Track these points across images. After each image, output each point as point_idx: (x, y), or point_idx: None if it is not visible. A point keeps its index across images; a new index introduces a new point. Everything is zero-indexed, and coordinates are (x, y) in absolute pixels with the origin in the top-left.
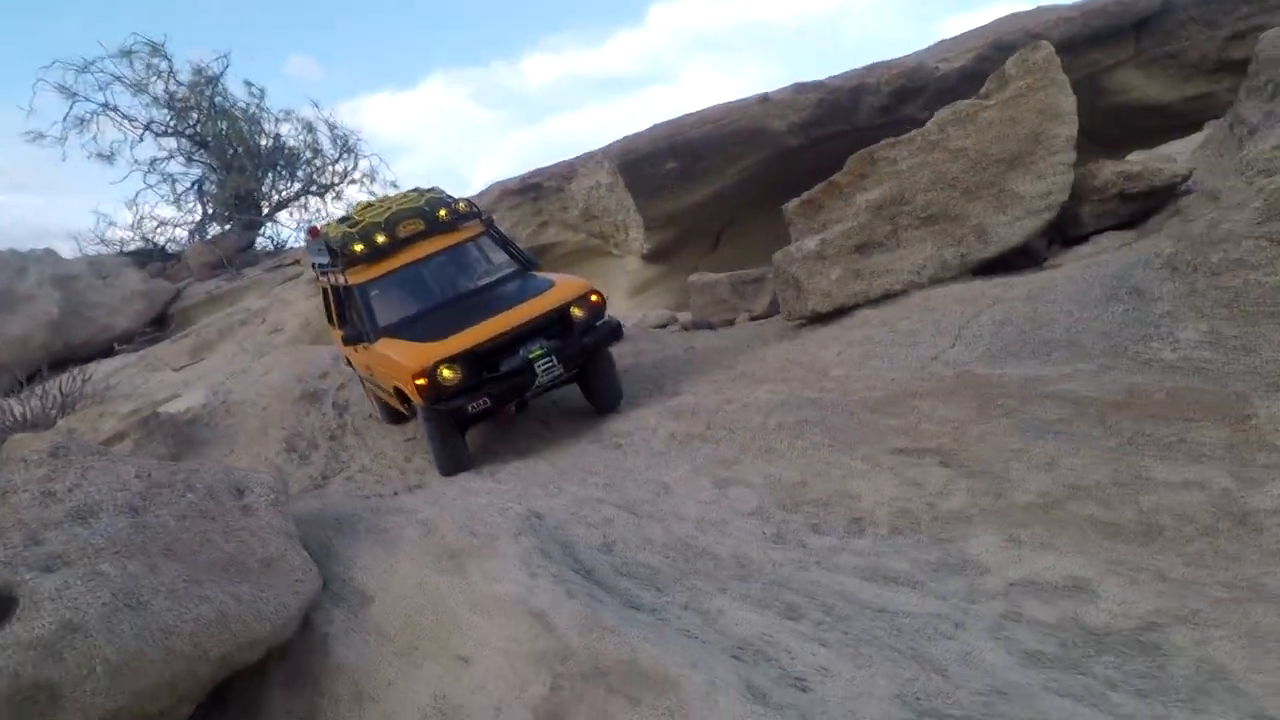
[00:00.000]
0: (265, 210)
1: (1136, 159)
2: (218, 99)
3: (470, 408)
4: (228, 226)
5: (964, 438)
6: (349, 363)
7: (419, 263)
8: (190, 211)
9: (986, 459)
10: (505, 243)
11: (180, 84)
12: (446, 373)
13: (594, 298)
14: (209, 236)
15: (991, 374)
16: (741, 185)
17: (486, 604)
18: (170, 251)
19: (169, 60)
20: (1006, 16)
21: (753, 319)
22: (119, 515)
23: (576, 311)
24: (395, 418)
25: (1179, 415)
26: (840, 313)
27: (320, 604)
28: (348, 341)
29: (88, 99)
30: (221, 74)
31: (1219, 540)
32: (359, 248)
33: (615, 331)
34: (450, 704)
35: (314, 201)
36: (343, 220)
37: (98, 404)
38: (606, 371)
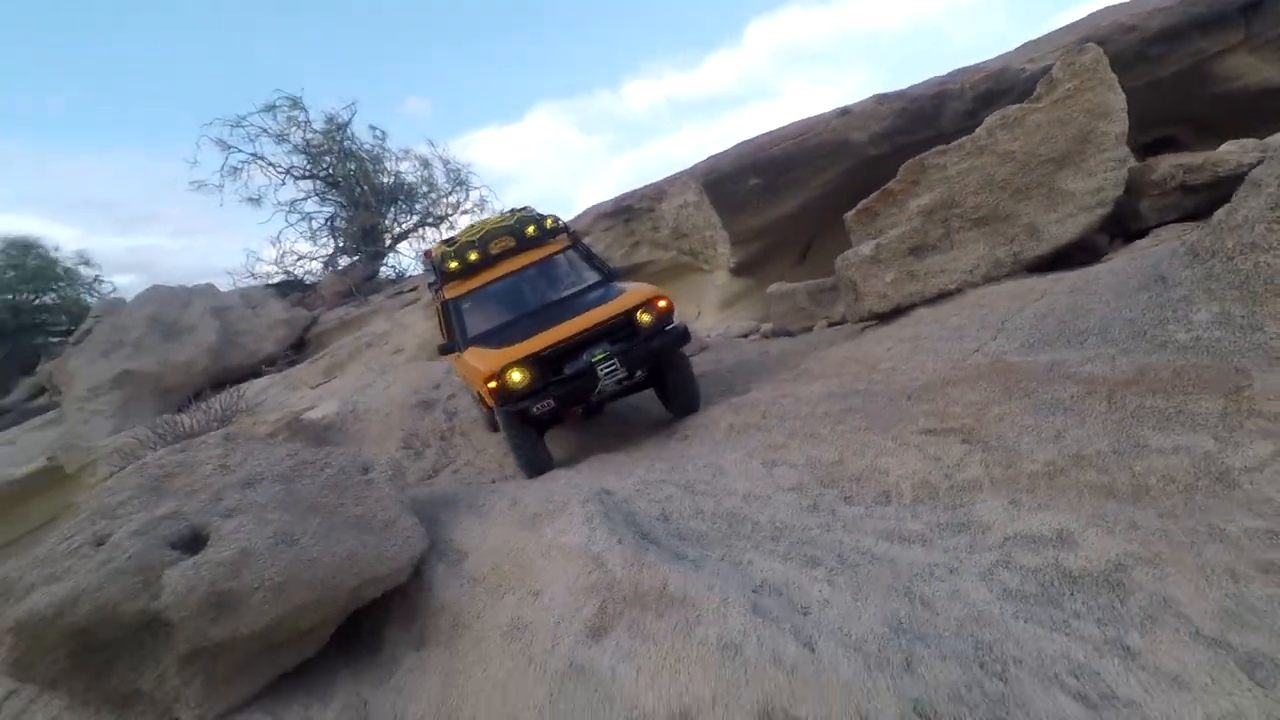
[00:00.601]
0: (387, 242)
1: (1202, 153)
2: (346, 143)
3: (535, 409)
4: (355, 258)
5: (985, 417)
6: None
7: (507, 277)
8: (323, 245)
9: (1002, 435)
10: (588, 255)
11: (315, 131)
12: (515, 375)
13: (661, 303)
14: (340, 268)
15: (1021, 361)
16: (825, 197)
17: (554, 552)
18: (307, 282)
19: (305, 111)
20: (1100, 10)
21: (830, 325)
22: (275, 483)
23: (643, 316)
24: (495, 426)
25: (1180, 390)
26: (897, 312)
27: (428, 559)
28: (443, 352)
29: (240, 149)
30: (350, 120)
31: (1195, 495)
32: (454, 265)
33: (682, 336)
34: (523, 622)
35: (430, 233)
36: (446, 242)
37: (250, 416)
38: (682, 376)
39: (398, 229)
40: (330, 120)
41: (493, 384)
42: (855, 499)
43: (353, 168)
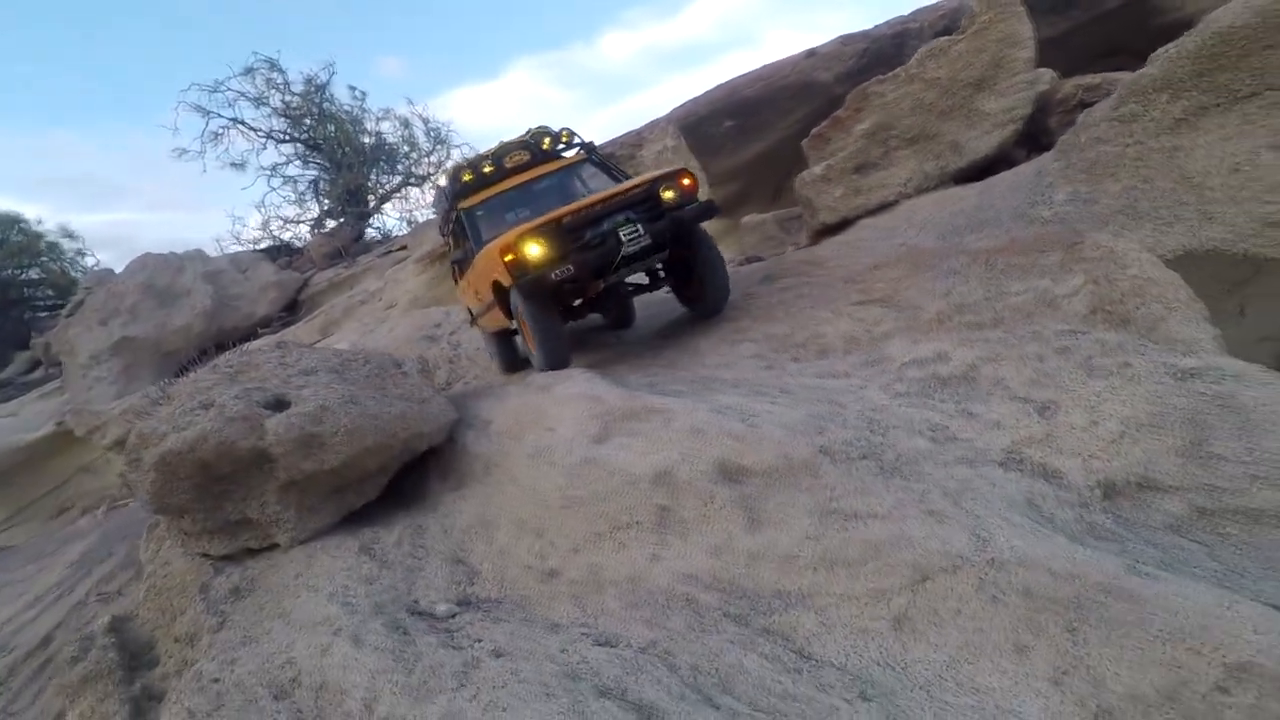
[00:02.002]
0: (372, 203)
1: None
2: (326, 105)
3: (554, 274)
4: (342, 220)
5: (898, 288)
6: (472, 320)
7: (523, 186)
8: (309, 209)
9: (910, 298)
10: (606, 166)
11: (294, 94)
12: (532, 246)
13: (685, 180)
14: (327, 230)
15: (930, 245)
16: (795, 136)
17: (564, 400)
18: (295, 246)
19: (283, 73)
20: None
21: (797, 249)
22: (329, 373)
23: (666, 193)
24: (511, 364)
25: (1035, 250)
26: (845, 223)
27: (459, 427)
28: (456, 263)
29: (220, 115)
30: (328, 82)
31: (1032, 318)
32: (468, 176)
33: (708, 209)
34: (543, 446)
35: (414, 193)
36: (458, 164)
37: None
38: (709, 261)
39: (382, 189)
40: (309, 82)
41: (509, 256)
42: (801, 358)
43: (333, 129)
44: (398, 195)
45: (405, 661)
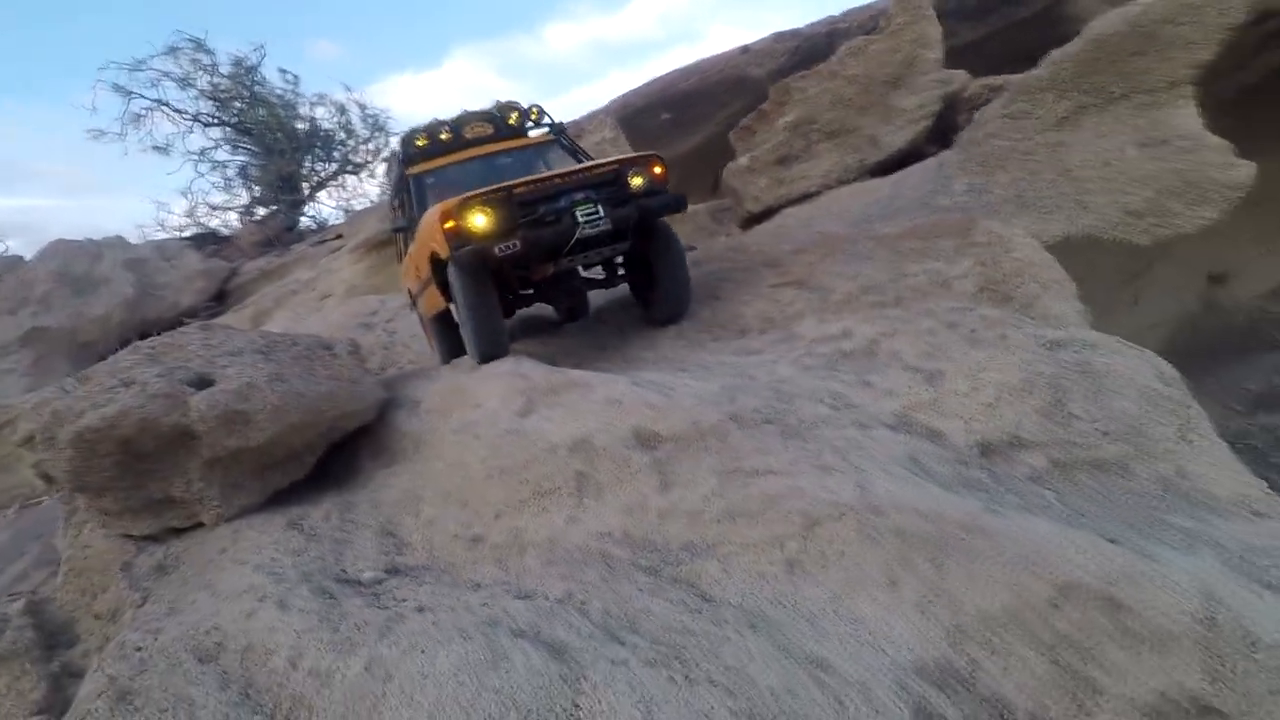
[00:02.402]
0: (306, 191)
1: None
2: (256, 88)
3: (498, 249)
4: (274, 208)
5: (812, 271)
6: (411, 303)
7: (480, 159)
8: (238, 195)
9: (821, 280)
10: (574, 151)
11: (222, 76)
12: (478, 212)
13: (657, 168)
14: (258, 218)
15: (844, 232)
16: (729, 130)
17: (491, 377)
18: (223, 234)
19: (211, 54)
20: None
21: (728, 238)
22: (255, 354)
23: (635, 179)
24: (453, 353)
25: (934, 235)
26: (770, 212)
27: (389, 407)
28: (397, 230)
29: (142, 95)
30: (258, 64)
31: (928, 297)
32: (422, 141)
33: (677, 201)
34: (469, 422)
35: (350, 180)
36: (416, 128)
37: None
38: (672, 260)
39: (317, 177)
40: (237, 64)
41: (450, 224)
42: (721, 337)
43: (264, 114)
44: (334, 183)
45: (330, 621)
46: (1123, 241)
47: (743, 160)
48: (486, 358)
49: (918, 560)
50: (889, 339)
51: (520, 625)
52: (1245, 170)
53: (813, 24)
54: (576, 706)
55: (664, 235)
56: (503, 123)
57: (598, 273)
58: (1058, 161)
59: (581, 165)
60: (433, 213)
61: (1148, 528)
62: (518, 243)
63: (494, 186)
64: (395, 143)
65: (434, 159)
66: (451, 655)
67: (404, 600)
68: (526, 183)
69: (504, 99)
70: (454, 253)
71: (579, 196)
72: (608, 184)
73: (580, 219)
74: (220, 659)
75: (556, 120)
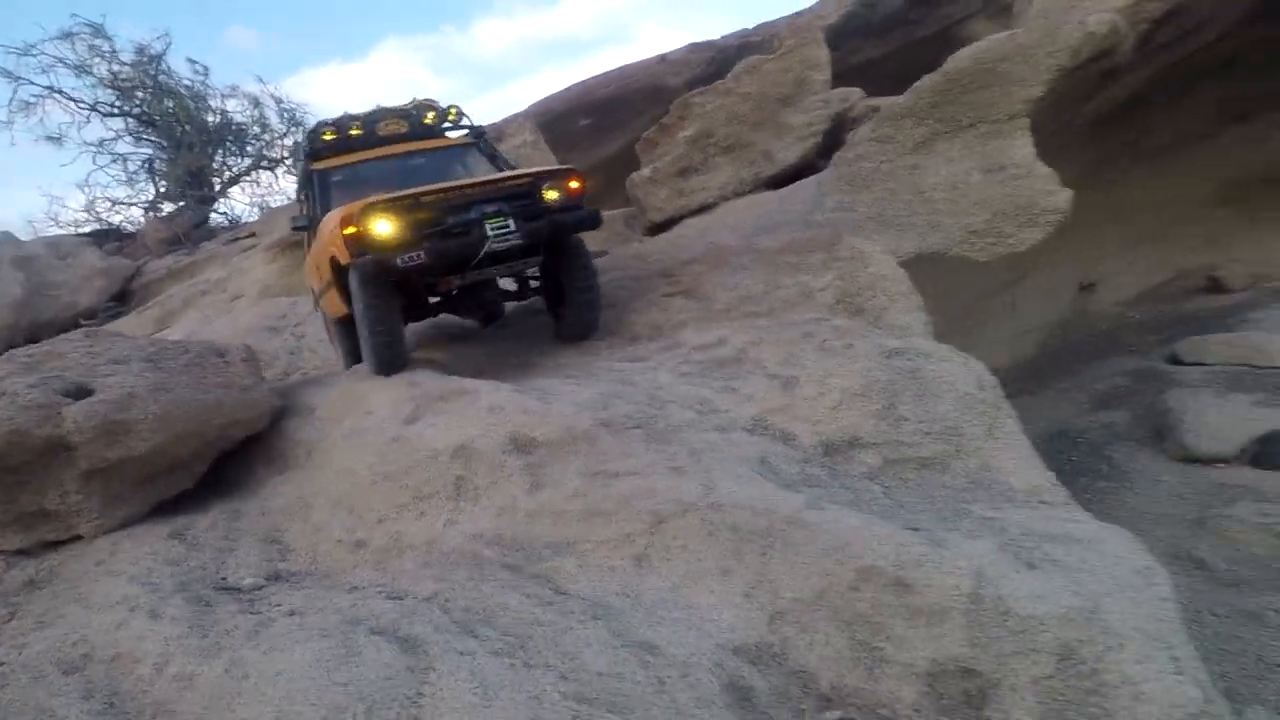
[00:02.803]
0: (218, 186)
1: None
2: (162, 77)
3: (400, 260)
4: (182, 204)
5: (699, 281)
6: (315, 302)
7: (391, 159)
8: (143, 190)
9: (706, 290)
10: (494, 156)
11: (124, 64)
12: (381, 218)
13: (574, 182)
14: (164, 214)
15: (731, 244)
16: None
17: (384, 385)
18: (126, 231)
19: (110, 41)
20: None
21: (639, 244)
22: (142, 362)
23: (549, 192)
24: (356, 356)
25: (806, 250)
26: (671, 222)
27: (285, 415)
28: (297, 228)
29: (32, 82)
30: (164, 52)
31: (796, 307)
32: (330, 135)
33: (591, 218)
34: (359, 428)
35: (265, 176)
36: (324, 121)
37: None
38: (583, 277)
39: (229, 173)
40: (141, 52)
41: (350, 229)
42: (613, 344)
43: (171, 105)
44: (247, 179)
45: (201, 628)
46: (965, 258)
47: (646, 171)
48: (384, 371)
49: (748, 552)
50: (756, 347)
51: (381, 624)
52: (1064, 196)
53: (726, 36)
54: (420, 694)
55: (576, 252)
56: (419, 122)
57: (511, 283)
58: (914, 183)
59: (494, 176)
60: (334, 216)
61: (953, 517)
62: (422, 254)
63: (400, 192)
64: (309, 128)
65: (342, 155)
66: (307, 653)
67: (278, 605)
68: (435, 190)
69: (422, 97)
70: (354, 261)
71: (490, 209)
72: (521, 196)
73: (489, 232)
74: (86, 670)
75: (476, 124)
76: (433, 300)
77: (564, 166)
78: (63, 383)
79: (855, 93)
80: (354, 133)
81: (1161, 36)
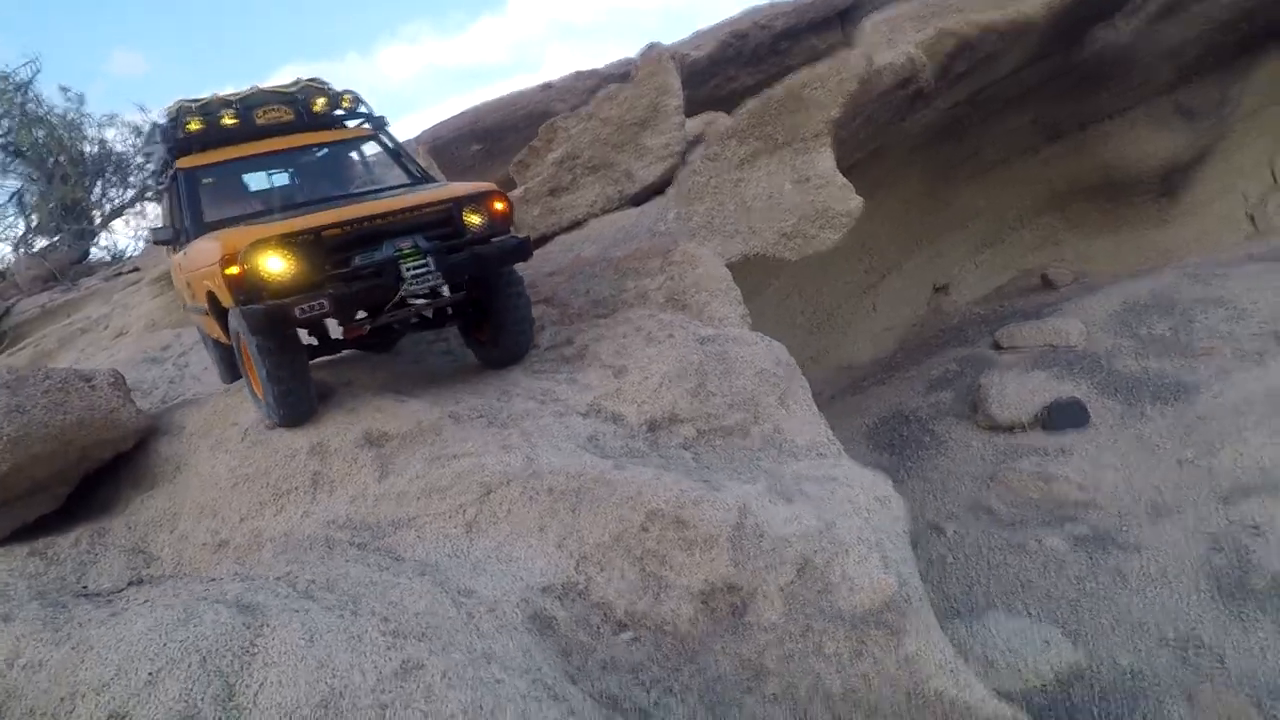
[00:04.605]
0: (98, 219)
1: None
2: (30, 106)
3: (299, 310)
4: (56, 239)
5: (559, 290)
6: (185, 306)
7: (274, 156)
8: (12, 226)
9: (564, 297)
10: (398, 153)
11: None
12: (271, 259)
13: (497, 204)
14: (37, 250)
15: (589, 256)
16: None
17: (250, 404)
18: None
19: None
20: (746, 10)
21: None
22: (1, 389)
23: (471, 217)
24: (233, 372)
25: (647, 257)
26: (544, 239)
27: (153, 435)
28: (159, 241)
29: None
30: (32, 79)
31: (632, 307)
32: (196, 125)
33: (520, 248)
34: (223, 438)
35: (151, 208)
36: (191, 99)
37: None
38: (514, 306)
39: (110, 205)
40: (5, 79)
41: (234, 270)
42: None
43: (41, 135)
44: (131, 210)
45: (55, 624)
46: (778, 258)
47: (519, 191)
48: (288, 425)
49: (561, 510)
50: (596, 343)
51: (226, 597)
52: (856, 202)
53: (610, 65)
54: (253, 644)
55: (505, 280)
56: (306, 108)
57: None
58: (738, 195)
59: (406, 200)
60: (211, 246)
61: (746, 471)
62: (325, 303)
63: (294, 222)
64: (167, 109)
65: (213, 150)
66: (147, 622)
67: (134, 600)
68: (338, 223)
69: (307, 76)
70: (241, 308)
71: (404, 245)
72: (439, 224)
73: (405, 273)
74: None
75: (373, 111)
76: (334, 340)
77: (485, 187)
78: None
79: (720, 116)
80: (227, 122)
81: (958, 66)
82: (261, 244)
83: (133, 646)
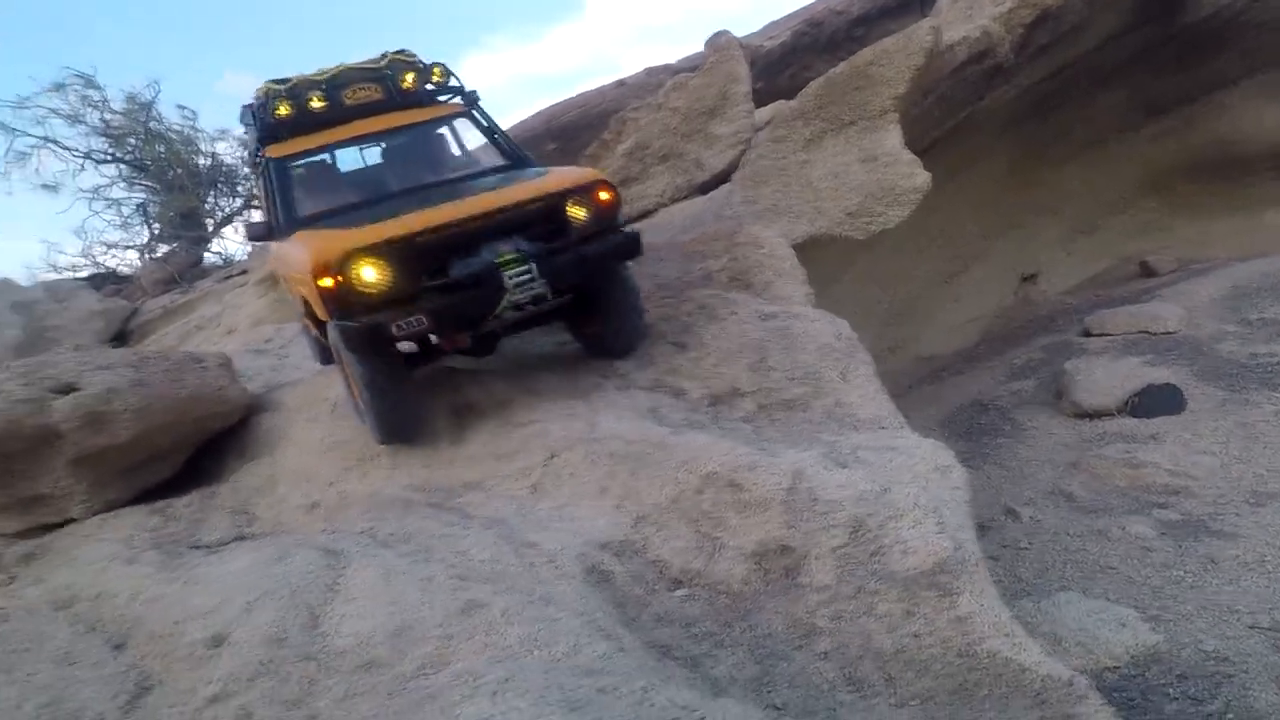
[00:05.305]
0: (211, 227)
1: None
2: (152, 124)
3: (395, 328)
4: (175, 245)
5: None
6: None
7: (366, 139)
8: (137, 233)
9: None
10: (491, 130)
11: (115, 112)
12: (367, 270)
13: (603, 194)
14: (159, 255)
15: (660, 242)
16: None
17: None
18: (122, 273)
19: (101, 90)
20: None
21: None
22: (126, 368)
23: (575, 211)
24: (327, 355)
25: (712, 241)
26: None
27: (257, 411)
28: (253, 237)
29: (26, 134)
30: (154, 100)
31: (697, 288)
32: (285, 110)
33: (631, 244)
34: (316, 412)
35: (256, 215)
36: (278, 81)
37: None
38: (625, 303)
39: (221, 213)
40: (131, 100)
41: (328, 281)
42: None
43: (162, 150)
44: (239, 218)
45: (169, 568)
46: (845, 238)
47: None
48: (392, 441)
49: (621, 472)
50: (661, 322)
51: (314, 544)
52: (924, 177)
53: (682, 59)
54: (336, 581)
55: (617, 282)
56: (395, 85)
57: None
58: (804, 176)
59: (506, 199)
60: (303, 254)
61: (804, 442)
62: (423, 319)
63: (386, 229)
64: (257, 91)
65: (303, 135)
66: (246, 561)
67: (236, 551)
68: (434, 227)
69: (394, 49)
70: (337, 324)
71: (505, 250)
72: (541, 221)
73: (508, 283)
74: (74, 606)
75: (466, 85)
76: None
77: (589, 175)
78: (54, 382)
79: (787, 104)
80: (315, 105)
81: (1040, 38)
82: (355, 255)
83: (233, 581)
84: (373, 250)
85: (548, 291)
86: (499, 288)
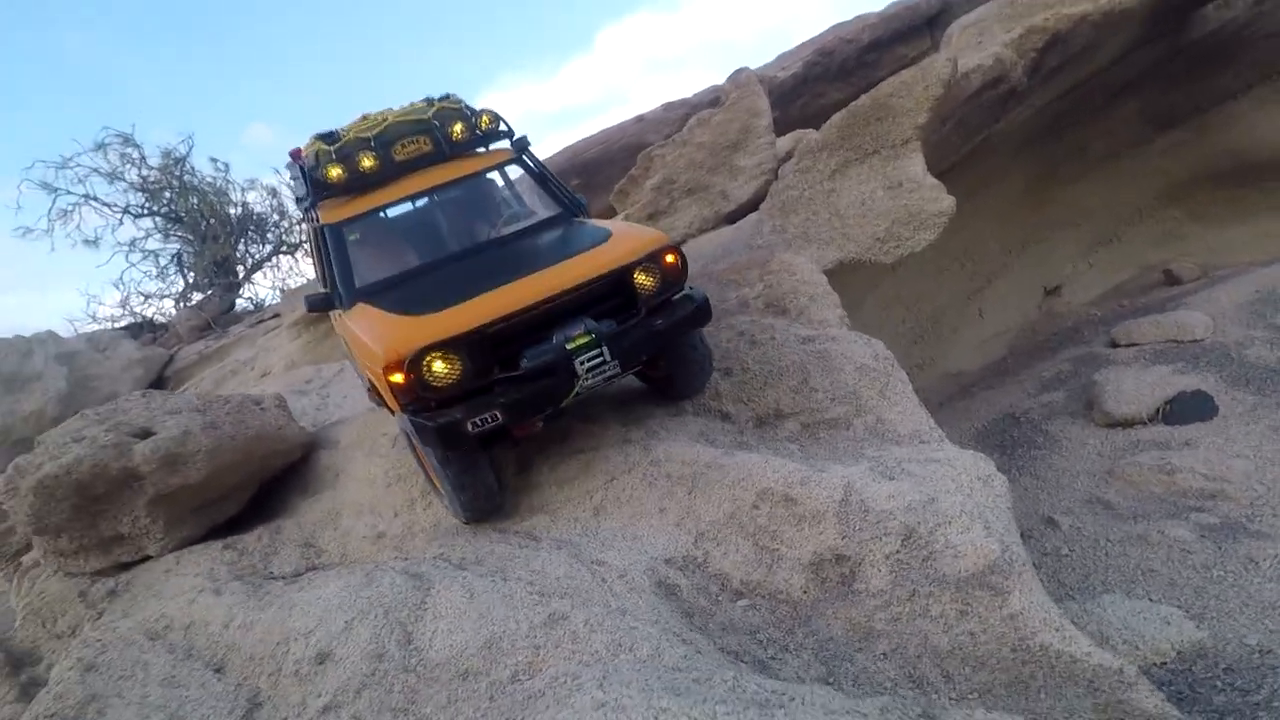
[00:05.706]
0: (242, 273)
1: None
2: (186, 177)
3: (471, 425)
4: (210, 292)
5: None
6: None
7: (419, 198)
8: (173, 283)
9: None
10: (544, 177)
11: (151, 168)
12: (439, 365)
13: (669, 258)
14: (193, 303)
15: (690, 273)
16: None
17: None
18: (159, 322)
19: (138, 147)
20: (830, 27)
21: None
22: (193, 411)
23: (643, 280)
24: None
25: (746, 268)
26: None
27: (314, 449)
28: (313, 308)
29: (69, 192)
30: (188, 154)
31: (734, 315)
32: (336, 173)
33: (701, 313)
34: (375, 448)
35: (285, 260)
36: (325, 137)
37: None
38: (692, 360)
39: (252, 259)
40: (166, 155)
41: (399, 377)
42: None
43: (196, 202)
44: (269, 264)
45: (255, 597)
46: (874, 262)
47: (619, 218)
48: (475, 520)
49: (678, 492)
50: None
51: (395, 570)
52: (949, 201)
53: (698, 93)
54: (424, 601)
55: (689, 343)
56: (445, 136)
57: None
58: (831, 205)
59: (573, 277)
60: (373, 344)
61: (849, 458)
62: (497, 414)
63: (456, 321)
64: (307, 147)
65: (356, 197)
66: (337, 585)
67: (313, 580)
68: (503, 317)
69: (438, 95)
70: (411, 420)
71: (576, 331)
72: (608, 296)
73: (580, 369)
74: (168, 636)
75: (512, 129)
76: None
77: (654, 241)
78: (131, 427)
79: (809, 133)
80: (366, 165)
81: (1051, 61)
82: (427, 351)
83: (329, 603)
84: (444, 345)
85: (619, 370)
86: (572, 375)
